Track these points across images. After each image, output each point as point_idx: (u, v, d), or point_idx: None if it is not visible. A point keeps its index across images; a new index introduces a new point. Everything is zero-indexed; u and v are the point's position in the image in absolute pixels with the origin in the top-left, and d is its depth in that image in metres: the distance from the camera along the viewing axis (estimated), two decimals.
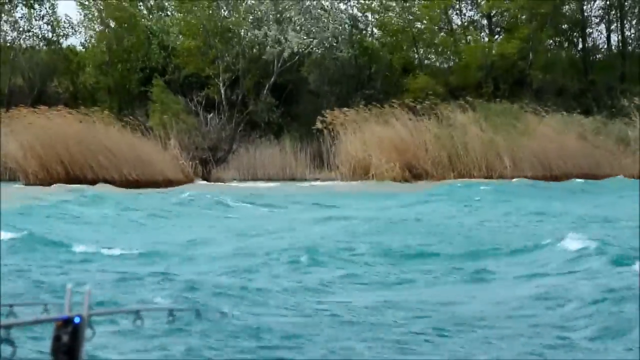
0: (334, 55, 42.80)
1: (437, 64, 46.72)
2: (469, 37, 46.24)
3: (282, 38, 41.07)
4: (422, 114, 38.21)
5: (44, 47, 44.61)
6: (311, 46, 41.36)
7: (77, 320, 3.05)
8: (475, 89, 42.42)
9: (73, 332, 3.04)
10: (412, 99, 39.05)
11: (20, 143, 34.33)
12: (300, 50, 41.20)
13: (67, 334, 3.03)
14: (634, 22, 47.56)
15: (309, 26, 41.68)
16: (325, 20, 42.21)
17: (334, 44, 42.62)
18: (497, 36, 45.98)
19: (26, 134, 34.56)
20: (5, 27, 43.77)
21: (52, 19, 44.46)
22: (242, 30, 42.06)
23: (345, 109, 38.87)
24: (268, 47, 41.17)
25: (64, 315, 3.06)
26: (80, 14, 45.36)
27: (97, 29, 44.70)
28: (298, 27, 41.45)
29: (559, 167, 37.77)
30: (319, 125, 37.91)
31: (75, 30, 45.10)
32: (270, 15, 41.84)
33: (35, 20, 44.24)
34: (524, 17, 45.49)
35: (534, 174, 37.08)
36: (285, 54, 40.96)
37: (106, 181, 33.56)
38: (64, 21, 44.85)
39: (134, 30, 43.47)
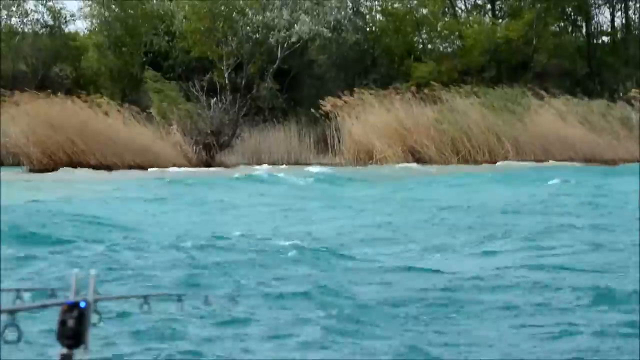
0: (340, 40, 42.73)
1: (441, 48, 46.64)
2: (472, 20, 46.08)
3: (286, 23, 40.91)
4: (423, 98, 38.19)
5: (46, 32, 44.60)
6: (319, 32, 41.22)
7: (82, 304, 3.04)
8: (479, 73, 42.39)
9: (79, 316, 3.03)
10: (416, 85, 39.05)
11: (22, 129, 34.38)
12: (307, 35, 41.09)
13: (73, 319, 3.02)
14: (637, 5, 47.42)
15: (316, 11, 41.57)
16: (331, 5, 42.10)
17: (339, 29, 42.54)
18: (500, 20, 45.85)
19: (28, 120, 34.61)
20: (8, 12, 43.78)
21: (55, 3, 44.51)
22: (251, 12, 41.92)
23: (349, 94, 38.84)
24: (275, 31, 41.04)
25: (70, 299, 3.05)
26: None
27: (100, 13, 44.67)
28: (305, 12, 41.34)
29: (560, 152, 37.77)
30: (325, 108, 37.89)
31: (78, 15, 45.18)
32: (277, 1, 41.71)
33: (39, 5, 44.30)
34: (528, 0, 45.40)
35: (535, 158, 37.11)
36: (294, 39, 40.86)
37: (108, 167, 33.62)
38: (69, 8, 44.94)
39: (138, 14, 43.42)
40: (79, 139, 34.66)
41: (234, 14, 41.44)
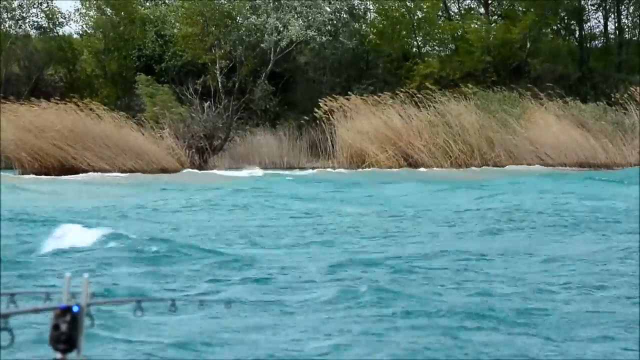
0: (334, 45, 42.66)
1: (436, 52, 46.52)
2: (468, 23, 45.98)
3: (280, 26, 40.86)
4: (419, 102, 38.20)
5: (39, 35, 44.48)
6: (309, 35, 41.15)
7: (75, 309, 3.02)
8: (474, 76, 42.34)
9: (72, 321, 3.01)
10: (414, 87, 39.01)
11: (10, 133, 34.35)
12: (298, 39, 41.03)
13: (66, 323, 3.00)
14: (630, 9, 47.45)
15: (308, 14, 41.50)
16: (325, 9, 42.06)
17: (333, 33, 42.49)
18: (494, 24, 45.82)
19: (17, 125, 34.60)
20: (3, 14, 43.64)
21: (49, 6, 44.37)
22: (240, 17, 41.90)
23: (343, 97, 38.81)
24: (266, 35, 40.99)
25: (63, 304, 3.03)
26: (77, 1, 45.29)
27: (94, 17, 44.62)
28: (297, 15, 41.29)
29: (554, 156, 37.81)
30: (319, 112, 37.90)
31: (71, 19, 45.02)
32: (270, 3, 41.65)
33: (33, 8, 44.14)
34: (522, 4, 45.39)
35: (529, 162, 37.14)
36: (284, 43, 40.80)
37: (101, 171, 33.63)
38: (62, 10, 44.86)
39: (131, 18, 43.38)
40: (69, 143, 34.62)
41: (226, 19, 41.35)
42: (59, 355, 2.98)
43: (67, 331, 2.99)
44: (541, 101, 38.92)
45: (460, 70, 42.67)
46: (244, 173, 33.65)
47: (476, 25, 44.96)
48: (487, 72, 43.00)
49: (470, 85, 39.10)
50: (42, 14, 44.21)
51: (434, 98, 38.36)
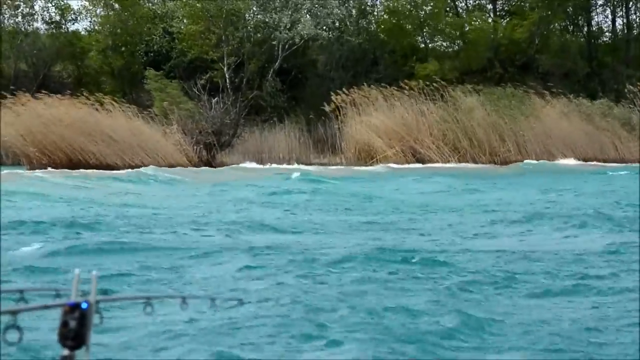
0: (342, 41, 42.61)
1: (443, 48, 46.41)
2: (475, 20, 45.88)
3: (289, 23, 40.80)
4: (427, 97, 38.14)
5: (47, 32, 44.53)
6: (319, 33, 41.09)
7: (84, 306, 3.00)
8: (482, 72, 42.28)
9: (80, 317, 2.99)
10: (419, 84, 38.95)
11: (19, 128, 34.35)
12: (308, 35, 40.97)
13: (75, 320, 2.99)
14: (639, 5, 47.30)
15: (317, 11, 41.45)
16: (332, 6, 41.96)
17: (341, 29, 42.44)
18: (502, 20, 45.73)
19: (25, 119, 34.59)
20: (10, 11, 43.71)
21: (57, 3, 44.42)
22: (248, 14, 41.86)
23: (352, 90, 38.74)
24: (278, 32, 40.92)
25: (72, 300, 3.01)
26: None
27: (101, 13, 44.66)
28: (305, 11, 41.24)
29: (563, 151, 37.76)
30: (329, 107, 37.79)
31: (79, 15, 45.03)
32: (277, 1, 41.59)
33: (41, 4, 44.25)
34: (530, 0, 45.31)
35: (537, 157, 37.12)
36: (297, 39, 40.75)
37: (108, 166, 33.60)
38: (69, 5, 44.87)
39: (138, 14, 43.39)
40: (78, 138, 34.62)
41: (232, 16, 41.25)
42: (67, 352, 2.97)
43: (75, 328, 2.98)
44: (547, 98, 38.87)
45: (468, 65, 42.59)
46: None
47: (478, 24, 44.81)
48: (493, 68, 42.94)
49: (471, 84, 38.98)
50: (54, 9, 44.35)
51: (443, 92, 38.27)
